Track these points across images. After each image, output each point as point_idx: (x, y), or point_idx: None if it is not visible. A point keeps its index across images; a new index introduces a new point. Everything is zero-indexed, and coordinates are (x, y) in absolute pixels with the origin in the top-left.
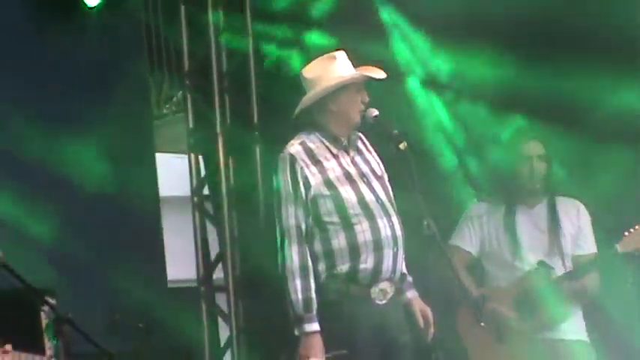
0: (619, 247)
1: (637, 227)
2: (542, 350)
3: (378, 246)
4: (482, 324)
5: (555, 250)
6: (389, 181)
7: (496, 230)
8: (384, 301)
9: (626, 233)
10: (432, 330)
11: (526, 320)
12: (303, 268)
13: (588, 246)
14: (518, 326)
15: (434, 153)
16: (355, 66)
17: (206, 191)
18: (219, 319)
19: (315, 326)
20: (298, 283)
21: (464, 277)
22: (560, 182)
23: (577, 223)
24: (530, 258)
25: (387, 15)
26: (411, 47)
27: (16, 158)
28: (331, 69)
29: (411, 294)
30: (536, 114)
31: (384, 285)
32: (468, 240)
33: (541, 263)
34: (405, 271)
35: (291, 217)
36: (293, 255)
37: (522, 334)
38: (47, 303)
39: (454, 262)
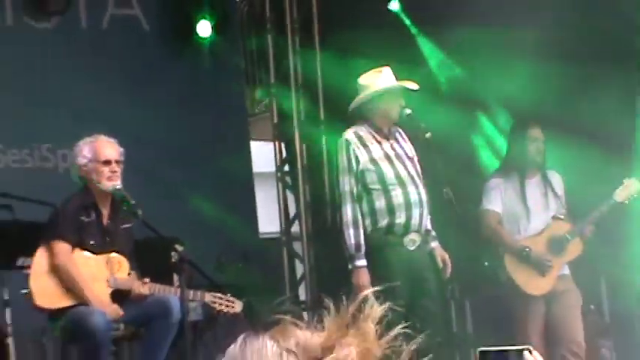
0: (616, 198)
1: (625, 181)
2: (562, 282)
3: (408, 207)
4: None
5: (554, 208)
6: (418, 161)
7: (510, 197)
8: (413, 248)
9: (620, 186)
10: (449, 270)
11: (556, 259)
12: (355, 221)
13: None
14: (552, 263)
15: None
16: (397, 79)
17: (286, 168)
18: (296, 261)
19: (363, 262)
20: (352, 231)
21: (501, 231)
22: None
23: (561, 190)
24: (537, 217)
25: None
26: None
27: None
28: (378, 79)
29: (435, 244)
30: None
31: (413, 236)
32: (495, 203)
33: (555, 217)
34: (430, 227)
35: (347, 184)
36: (348, 212)
37: (555, 269)
38: (175, 249)
39: (486, 220)
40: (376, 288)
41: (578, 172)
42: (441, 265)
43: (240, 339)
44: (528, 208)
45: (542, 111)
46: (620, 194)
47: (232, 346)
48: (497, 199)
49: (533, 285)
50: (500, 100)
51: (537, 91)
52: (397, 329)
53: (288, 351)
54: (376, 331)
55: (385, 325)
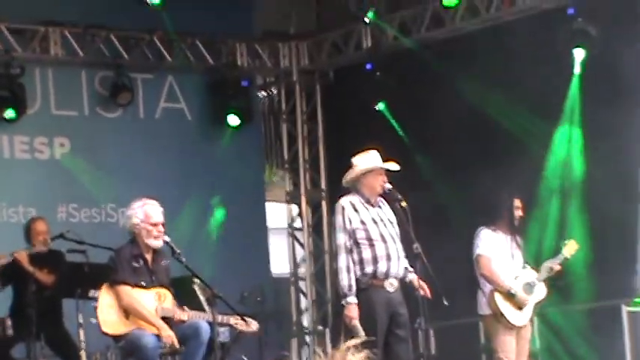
0: (565, 254)
1: (567, 241)
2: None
3: (388, 258)
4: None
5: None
6: (398, 224)
7: (499, 246)
8: (392, 290)
9: (565, 245)
10: (428, 292)
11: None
12: (348, 268)
13: None
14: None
15: None
16: (383, 161)
17: (295, 225)
18: (301, 296)
19: (354, 299)
20: (345, 275)
21: (496, 274)
22: None
23: (520, 243)
24: (512, 265)
25: None
26: None
27: None
28: (366, 159)
29: (412, 276)
30: None
31: (392, 280)
32: (488, 249)
33: (525, 266)
34: (408, 267)
35: (342, 239)
36: (343, 260)
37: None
38: (204, 283)
39: (484, 263)
40: (358, 340)
41: None
42: (417, 286)
43: None
44: (512, 257)
45: None
46: (566, 251)
47: None
48: (490, 247)
49: (516, 317)
50: None
51: None
52: None
53: None
54: None
55: None
